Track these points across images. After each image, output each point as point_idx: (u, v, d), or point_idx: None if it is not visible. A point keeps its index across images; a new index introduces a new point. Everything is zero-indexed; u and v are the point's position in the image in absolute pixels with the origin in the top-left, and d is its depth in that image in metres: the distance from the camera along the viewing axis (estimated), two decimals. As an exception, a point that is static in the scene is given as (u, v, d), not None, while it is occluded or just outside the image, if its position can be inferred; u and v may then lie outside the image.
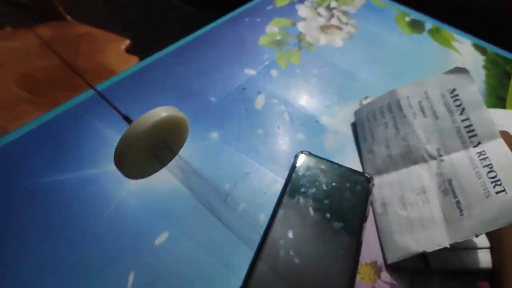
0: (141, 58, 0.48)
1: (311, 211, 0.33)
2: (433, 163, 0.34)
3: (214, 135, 0.40)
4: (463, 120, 0.33)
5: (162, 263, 0.29)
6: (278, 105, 0.45)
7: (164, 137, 0.27)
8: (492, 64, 0.56)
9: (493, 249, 0.31)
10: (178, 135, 0.29)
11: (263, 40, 0.55)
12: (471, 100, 0.34)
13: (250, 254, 0.29)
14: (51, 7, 1.10)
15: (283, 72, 0.50)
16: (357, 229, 0.32)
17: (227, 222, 0.33)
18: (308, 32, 0.58)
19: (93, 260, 0.29)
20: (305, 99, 0.46)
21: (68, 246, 0.30)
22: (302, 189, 0.34)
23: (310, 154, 0.37)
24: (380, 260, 0.32)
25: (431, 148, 0.35)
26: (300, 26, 0.59)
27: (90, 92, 0.42)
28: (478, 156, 0.31)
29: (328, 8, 0.64)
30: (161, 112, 0.25)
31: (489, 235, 0.32)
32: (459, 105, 0.34)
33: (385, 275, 0.31)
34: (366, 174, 0.36)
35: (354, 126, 0.44)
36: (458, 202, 0.30)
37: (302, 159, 0.37)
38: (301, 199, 0.33)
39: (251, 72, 0.49)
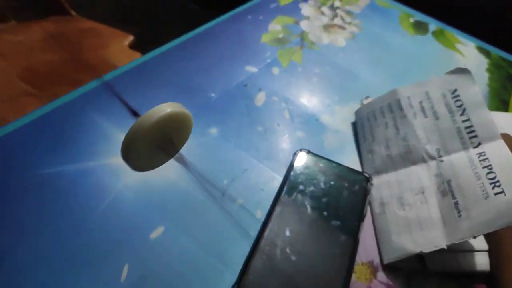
0: (144, 54, 0.48)
1: (308, 209, 0.32)
2: (432, 163, 0.34)
3: (213, 131, 0.40)
4: (463, 121, 0.33)
5: (157, 257, 0.29)
6: (279, 102, 0.45)
7: (169, 132, 0.28)
8: (495, 67, 0.56)
9: (491, 252, 0.31)
10: (182, 130, 0.29)
11: (265, 38, 0.54)
12: (472, 101, 0.33)
13: (246, 250, 0.29)
14: (55, 1, 1.10)
15: (285, 70, 0.49)
16: (354, 229, 0.32)
17: (223, 218, 0.33)
18: (311, 31, 0.57)
19: (87, 252, 0.29)
20: (306, 98, 0.46)
21: (63, 237, 0.30)
22: (300, 187, 0.34)
23: (309, 152, 0.37)
24: (377, 260, 0.32)
25: (431, 149, 0.34)
26: (303, 25, 0.59)
27: (89, 86, 0.42)
28: (478, 157, 0.31)
29: (332, 8, 0.64)
30: (167, 107, 0.26)
31: (488, 237, 0.32)
32: (460, 106, 0.34)
33: (381, 275, 0.31)
34: (365, 174, 0.36)
35: (354, 125, 0.43)
36: (456, 203, 0.30)
37: (301, 157, 0.37)
38: (299, 197, 0.33)
39: (253, 69, 0.49)
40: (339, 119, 0.44)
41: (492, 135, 0.31)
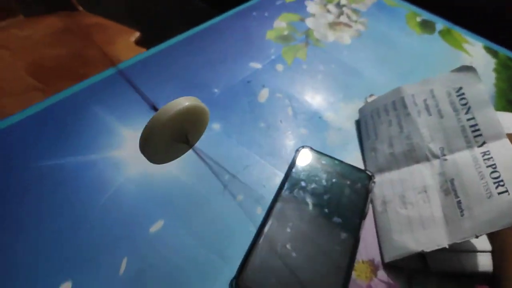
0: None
1: (309, 206, 0.32)
2: (436, 162, 0.33)
3: (216, 126, 0.40)
4: (468, 119, 0.33)
5: (156, 251, 0.29)
6: (282, 99, 0.44)
7: (186, 125, 0.28)
8: (503, 67, 0.55)
9: (494, 253, 0.31)
10: (199, 124, 0.30)
11: (270, 35, 0.54)
12: (477, 99, 0.33)
13: (246, 246, 0.29)
14: (63, -3, 1.10)
15: (289, 67, 0.49)
16: (355, 226, 0.31)
17: (224, 213, 0.33)
18: (316, 28, 0.57)
19: (87, 244, 0.29)
20: (310, 95, 0.46)
21: (63, 229, 0.30)
22: (302, 184, 0.34)
23: (311, 149, 0.37)
24: (378, 259, 0.31)
25: (435, 147, 0.34)
26: (309, 22, 0.58)
27: (92, 79, 0.42)
28: (482, 156, 0.30)
29: (338, 6, 0.64)
30: (185, 101, 0.26)
31: (491, 237, 0.32)
32: (465, 104, 0.34)
33: (382, 274, 0.30)
34: (367, 172, 0.36)
35: (358, 123, 0.43)
36: (459, 202, 0.29)
37: (303, 154, 0.37)
38: (300, 194, 0.33)
39: (257, 65, 0.48)
40: (343, 117, 0.43)
41: (497, 134, 0.30)
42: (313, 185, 0.34)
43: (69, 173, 0.33)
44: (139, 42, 1.04)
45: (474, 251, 0.31)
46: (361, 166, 0.38)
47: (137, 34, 1.07)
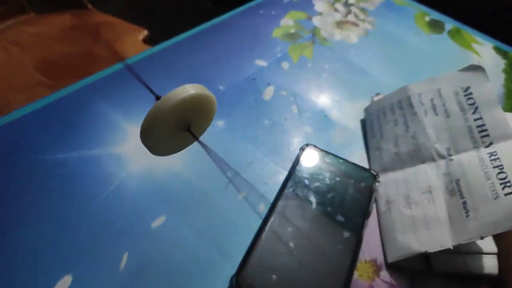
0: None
1: (312, 204, 0.32)
2: (441, 162, 0.33)
3: (220, 123, 0.40)
4: (475, 119, 0.32)
5: (157, 246, 0.29)
6: (287, 97, 0.44)
7: (191, 115, 0.26)
8: (513, 68, 0.54)
9: (500, 255, 0.30)
10: (205, 114, 0.28)
11: (276, 32, 0.54)
12: (485, 99, 0.32)
13: (247, 243, 0.29)
14: (73, -5, 1.11)
15: (295, 65, 0.49)
16: (358, 226, 0.31)
17: (226, 210, 0.32)
18: (323, 27, 0.57)
19: (88, 238, 0.29)
20: (315, 93, 0.45)
21: (65, 223, 0.30)
22: (305, 182, 0.34)
23: (315, 147, 0.37)
24: (381, 259, 0.31)
25: (441, 147, 0.33)
26: (316, 21, 0.58)
27: (97, 75, 0.43)
28: (489, 157, 0.30)
29: (346, 4, 0.63)
30: (190, 89, 0.24)
31: (497, 239, 0.31)
32: (472, 104, 0.33)
33: (385, 274, 0.30)
34: (372, 171, 0.35)
35: (363, 122, 0.43)
36: (464, 203, 0.29)
37: (307, 152, 0.36)
38: (303, 192, 0.33)
39: (262, 63, 0.48)
40: (348, 116, 0.43)
41: (504, 135, 0.30)
42: (317, 184, 0.34)
43: (72, 167, 0.34)
44: (146, 40, 1.04)
45: (479, 253, 0.31)
46: (366, 165, 0.38)
47: (145, 33, 1.07)
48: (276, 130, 0.40)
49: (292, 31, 0.55)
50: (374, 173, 0.35)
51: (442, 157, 0.33)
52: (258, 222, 0.30)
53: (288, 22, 0.57)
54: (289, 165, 0.35)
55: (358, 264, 0.30)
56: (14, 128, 0.36)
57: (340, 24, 0.58)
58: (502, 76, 0.52)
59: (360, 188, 0.34)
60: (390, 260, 0.30)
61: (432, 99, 0.36)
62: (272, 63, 0.49)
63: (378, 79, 0.49)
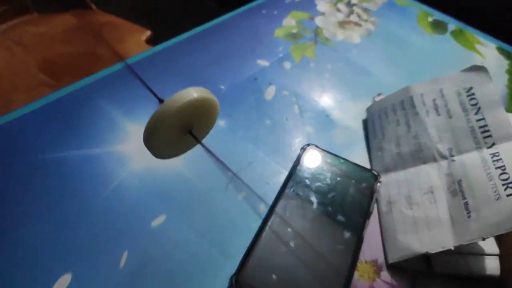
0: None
1: (313, 204, 0.32)
2: (443, 162, 0.33)
3: (221, 122, 0.39)
4: (478, 120, 0.32)
5: (157, 245, 0.29)
6: (289, 97, 0.44)
7: (194, 118, 0.26)
8: (516, 68, 0.54)
9: (502, 256, 0.30)
10: (208, 117, 0.28)
11: (278, 32, 0.54)
12: (487, 100, 0.32)
13: (247, 243, 0.29)
14: (77, -5, 1.12)
15: (297, 65, 0.49)
16: (359, 226, 0.31)
17: (226, 209, 0.32)
18: (325, 27, 0.57)
19: (88, 237, 0.29)
20: (317, 93, 0.45)
21: (65, 221, 0.30)
22: (306, 182, 0.33)
23: (317, 147, 0.37)
24: (381, 259, 0.31)
25: (443, 148, 0.33)
26: (318, 21, 0.58)
27: (99, 74, 0.43)
28: (492, 157, 0.29)
29: (349, 4, 0.63)
30: (193, 92, 0.24)
31: (499, 241, 0.31)
32: (475, 104, 0.33)
33: (385, 275, 0.30)
34: (373, 171, 0.35)
35: (365, 122, 0.42)
36: (466, 204, 0.29)
37: (308, 152, 0.36)
38: (304, 192, 0.33)
39: (264, 63, 0.48)
40: (350, 116, 0.43)
41: (507, 135, 0.30)
42: (318, 184, 0.33)
43: (73, 167, 0.34)
44: (150, 41, 1.05)
45: (481, 254, 0.30)
46: (367, 166, 0.38)
47: (148, 33, 1.07)
48: (278, 130, 0.40)
49: (294, 31, 0.55)
50: (376, 173, 0.35)
51: (444, 157, 0.33)
52: (259, 221, 0.30)
53: (290, 22, 0.57)
54: (290, 165, 0.35)
55: (358, 264, 0.30)
56: (15, 127, 0.36)
57: (342, 24, 0.58)
58: (505, 77, 0.52)
59: (361, 188, 0.34)
60: (391, 260, 0.30)
61: (434, 100, 0.36)
62: (274, 63, 0.48)
63: (381, 79, 0.49)
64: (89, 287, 0.27)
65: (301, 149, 0.36)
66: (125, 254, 0.28)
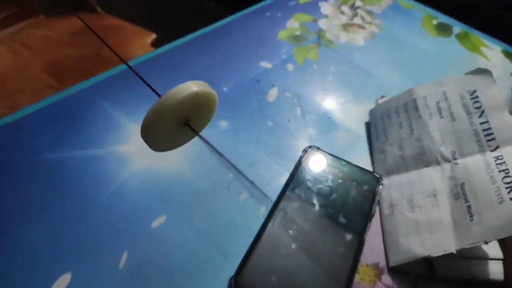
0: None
1: (314, 206, 0.32)
2: (446, 165, 0.32)
3: (223, 124, 0.39)
4: (481, 123, 0.32)
5: (156, 246, 0.29)
6: (291, 99, 0.44)
7: (193, 111, 0.26)
8: (521, 72, 0.53)
9: (506, 261, 0.30)
10: (206, 110, 0.28)
11: (282, 35, 0.54)
12: (491, 103, 0.32)
13: (247, 244, 0.29)
14: (83, -2, 1.12)
15: (300, 67, 0.49)
16: (360, 228, 0.31)
17: (227, 210, 0.32)
18: (328, 29, 0.56)
19: (88, 237, 0.29)
20: (319, 95, 0.45)
21: (66, 221, 0.30)
22: (307, 184, 0.33)
23: (318, 149, 0.37)
24: (383, 262, 0.30)
25: (446, 151, 0.33)
26: (321, 23, 0.58)
27: (102, 76, 0.43)
28: (495, 161, 0.29)
29: (353, 7, 0.63)
30: (193, 86, 0.24)
31: (503, 245, 0.30)
32: (478, 107, 0.32)
33: (387, 278, 0.30)
34: (375, 174, 0.35)
35: (367, 125, 0.42)
36: (469, 207, 0.28)
37: (310, 154, 0.36)
38: (305, 194, 0.33)
39: (267, 65, 0.48)
40: (353, 118, 0.43)
41: (511, 139, 0.29)
42: (319, 186, 0.33)
43: (75, 167, 0.34)
44: (155, 44, 1.05)
45: (484, 258, 0.30)
46: (370, 168, 0.37)
47: (153, 36, 1.08)
48: (279, 131, 0.40)
49: (298, 33, 0.55)
50: (378, 175, 0.35)
51: (447, 160, 0.33)
52: (259, 223, 0.30)
53: (293, 24, 0.57)
54: (291, 167, 0.35)
55: (359, 267, 0.30)
56: (17, 127, 0.36)
57: (346, 26, 0.58)
58: (510, 80, 0.51)
59: (363, 190, 0.33)
60: (392, 264, 0.30)
61: (437, 102, 0.36)
62: (276, 65, 0.48)
63: (384, 82, 0.48)
64: (89, 287, 0.27)
65: (302, 151, 0.36)
66: (125, 255, 0.28)
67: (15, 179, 0.32)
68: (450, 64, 0.53)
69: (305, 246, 0.29)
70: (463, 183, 0.30)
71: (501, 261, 0.30)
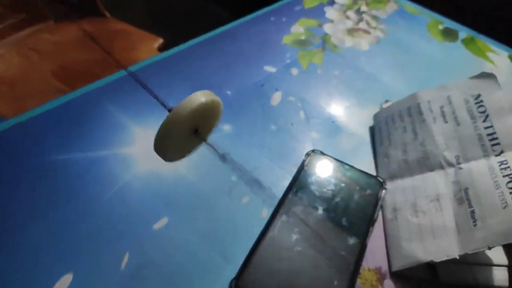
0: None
1: (316, 210, 0.32)
2: (450, 170, 0.32)
3: (227, 127, 0.40)
4: (486, 128, 0.31)
5: (158, 248, 0.29)
6: (295, 103, 0.44)
7: (201, 120, 0.28)
8: (529, 77, 0.53)
9: (511, 267, 0.29)
10: (212, 117, 0.30)
11: (287, 39, 0.54)
12: (496, 107, 0.32)
13: (249, 247, 0.29)
14: (92, 3, 1.14)
15: (304, 71, 0.49)
16: (363, 233, 0.30)
17: (229, 213, 0.32)
18: (333, 34, 0.57)
19: (90, 237, 0.29)
20: (323, 99, 0.45)
21: (70, 222, 0.30)
22: (310, 188, 0.33)
23: (321, 153, 0.36)
24: (385, 267, 0.30)
25: (450, 155, 0.33)
26: (327, 28, 0.58)
27: (107, 79, 0.43)
28: (499, 165, 0.29)
29: (358, 12, 0.63)
30: (201, 97, 0.26)
31: (508, 251, 0.30)
32: (483, 112, 0.32)
33: (389, 283, 0.29)
34: (378, 178, 0.35)
35: (371, 129, 0.42)
36: (472, 212, 0.28)
37: (312, 158, 0.36)
38: (307, 197, 0.32)
39: (271, 69, 0.48)
40: (357, 122, 0.43)
41: (515, 143, 0.29)
42: (322, 189, 0.33)
43: (79, 168, 0.34)
44: (162, 48, 1.06)
45: (488, 264, 0.30)
46: (373, 172, 0.37)
47: (160, 41, 1.09)
48: (283, 135, 0.40)
49: (302, 37, 0.55)
50: (381, 180, 0.35)
51: (451, 165, 0.32)
52: (261, 226, 0.30)
53: (298, 29, 0.57)
54: (294, 171, 0.35)
55: (361, 271, 0.29)
56: (24, 129, 0.37)
57: (351, 31, 0.58)
58: (517, 85, 0.51)
59: (366, 195, 0.33)
60: (394, 268, 0.30)
61: (442, 107, 0.35)
62: (281, 69, 0.49)
63: (389, 86, 0.48)
64: (90, 287, 0.27)
65: (305, 155, 0.36)
66: (127, 256, 0.28)
67: (20, 180, 0.33)
68: (456, 69, 0.53)
69: (307, 250, 0.29)
70: (467, 188, 0.30)
71: (506, 268, 0.29)
